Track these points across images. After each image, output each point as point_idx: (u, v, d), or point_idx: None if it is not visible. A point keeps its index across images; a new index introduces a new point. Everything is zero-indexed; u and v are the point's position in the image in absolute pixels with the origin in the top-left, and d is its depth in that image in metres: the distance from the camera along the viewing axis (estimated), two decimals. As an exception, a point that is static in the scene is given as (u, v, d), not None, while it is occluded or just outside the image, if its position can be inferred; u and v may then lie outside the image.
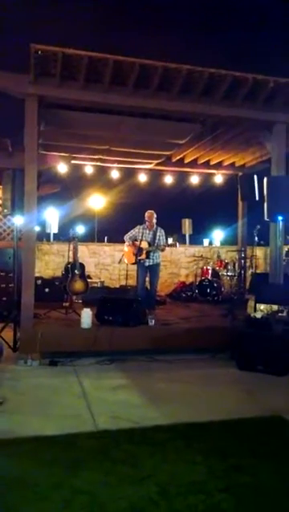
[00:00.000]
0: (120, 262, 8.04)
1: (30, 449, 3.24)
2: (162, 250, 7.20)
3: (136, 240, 7.14)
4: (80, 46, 5.37)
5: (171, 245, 7.89)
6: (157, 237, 7.15)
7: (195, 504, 2.58)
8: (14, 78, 5.71)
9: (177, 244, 7.94)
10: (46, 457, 3.09)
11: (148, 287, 7.38)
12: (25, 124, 5.79)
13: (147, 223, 7.16)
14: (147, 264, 7.15)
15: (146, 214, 7.20)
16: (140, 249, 7.03)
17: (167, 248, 7.51)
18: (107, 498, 2.61)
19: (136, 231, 7.20)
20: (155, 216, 7.21)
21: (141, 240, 7.01)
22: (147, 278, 7.32)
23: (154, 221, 7.20)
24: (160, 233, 7.21)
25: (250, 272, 9.84)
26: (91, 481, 2.80)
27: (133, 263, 7.24)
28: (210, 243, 23.71)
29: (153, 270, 7.24)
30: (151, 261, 7.16)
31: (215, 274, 9.39)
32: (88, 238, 21.01)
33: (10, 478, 2.81)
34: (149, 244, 7.11)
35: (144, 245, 7.08)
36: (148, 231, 7.15)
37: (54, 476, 2.84)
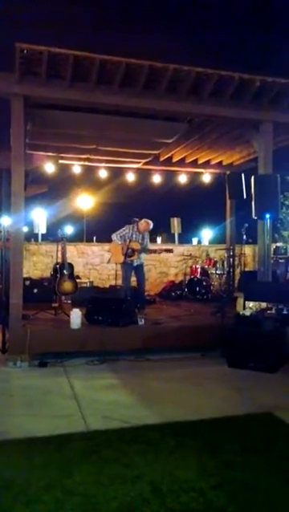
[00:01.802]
0: (109, 261, 8.05)
1: (22, 450, 3.21)
2: (154, 253, 7.53)
3: (125, 240, 7.18)
4: (66, 45, 5.35)
5: (168, 251, 7.99)
6: (145, 240, 7.34)
7: (187, 502, 2.58)
8: (-1, 77, 5.67)
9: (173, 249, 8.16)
10: (38, 459, 3.07)
11: (136, 287, 7.44)
12: (11, 124, 5.74)
13: (139, 227, 7.24)
14: (135, 264, 7.24)
15: (144, 224, 7.26)
16: (131, 250, 7.08)
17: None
18: (100, 498, 2.60)
19: (126, 231, 7.23)
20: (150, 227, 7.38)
21: (132, 241, 7.12)
22: (132, 278, 7.38)
23: None
24: (147, 236, 7.40)
25: (238, 270, 9.89)
26: (84, 481, 2.78)
27: (121, 263, 7.26)
28: (199, 242, 23.71)
29: (140, 269, 7.37)
30: (139, 261, 7.29)
31: (204, 272, 9.42)
32: (77, 238, 20.91)
33: (2, 480, 2.78)
34: (141, 245, 7.22)
35: (136, 245, 7.16)
36: (137, 233, 7.25)
37: (46, 477, 2.82)
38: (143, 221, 7.31)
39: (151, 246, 7.65)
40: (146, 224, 7.30)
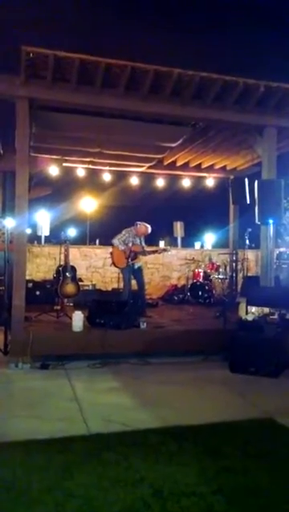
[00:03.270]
0: (111, 264, 8.06)
1: (23, 452, 3.21)
2: (154, 253, 7.61)
3: (126, 244, 7.20)
4: (71, 48, 5.38)
5: (165, 250, 8.20)
6: (143, 243, 7.41)
7: (188, 506, 2.57)
8: (4, 80, 5.69)
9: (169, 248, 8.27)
10: (39, 461, 3.07)
11: (136, 290, 7.47)
12: (16, 127, 5.77)
13: (138, 230, 7.31)
14: (136, 267, 7.32)
15: (143, 227, 7.34)
16: (134, 253, 7.12)
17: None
18: (101, 501, 2.60)
19: (126, 235, 7.26)
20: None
21: (134, 244, 7.21)
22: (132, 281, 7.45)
23: None
24: (142, 239, 7.47)
25: (241, 275, 9.88)
26: (84, 484, 2.78)
27: (123, 267, 7.28)
28: (202, 246, 23.72)
29: (140, 272, 7.43)
30: (139, 263, 7.39)
31: (207, 276, 9.42)
32: (80, 241, 20.93)
33: (3, 482, 2.78)
34: (143, 248, 7.31)
35: (138, 249, 7.23)
36: (136, 236, 7.33)
37: (47, 479, 2.82)
38: (142, 224, 7.36)
39: (148, 248, 7.69)
40: (145, 228, 7.37)
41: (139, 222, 7.40)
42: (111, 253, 7.46)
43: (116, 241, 7.27)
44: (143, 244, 7.44)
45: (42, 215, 12.62)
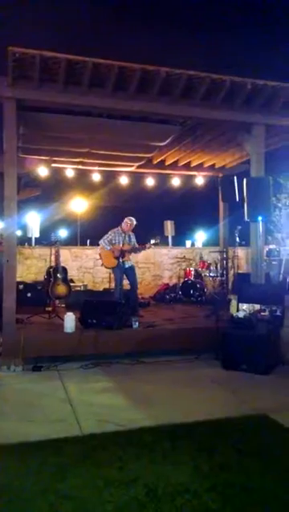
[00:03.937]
0: (102, 265, 8.05)
1: (16, 454, 3.19)
2: (144, 249, 7.39)
3: (113, 244, 7.18)
4: (59, 48, 5.37)
5: (155, 244, 8.04)
6: (132, 240, 7.33)
7: (182, 504, 2.58)
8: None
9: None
10: (32, 463, 3.05)
11: (128, 290, 7.43)
12: (3, 128, 5.74)
13: (123, 228, 7.23)
14: (127, 266, 7.25)
15: (127, 222, 7.23)
16: (122, 252, 7.08)
17: (150, 249, 7.74)
18: (95, 502, 2.59)
19: (112, 235, 7.23)
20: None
21: (123, 243, 7.13)
22: (125, 281, 7.38)
23: None
24: (133, 235, 7.39)
25: (232, 272, 9.92)
26: (78, 485, 2.77)
27: (113, 267, 7.24)
28: (193, 244, 23.83)
29: (131, 271, 7.35)
30: (129, 262, 7.30)
31: (198, 275, 9.44)
32: (71, 242, 20.89)
33: (-5, 486, 2.77)
34: (132, 246, 7.24)
35: (127, 247, 7.16)
36: (124, 234, 7.23)
37: (41, 481, 2.80)
38: (126, 219, 7.27)
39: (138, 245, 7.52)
40: (129, 222, 7.25)
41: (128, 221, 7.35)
42: (100, 255, 7.45)
43: (101, 241, 7.26)
44: (134, 240, 7.36)
45: (32, 216, 12.55)
